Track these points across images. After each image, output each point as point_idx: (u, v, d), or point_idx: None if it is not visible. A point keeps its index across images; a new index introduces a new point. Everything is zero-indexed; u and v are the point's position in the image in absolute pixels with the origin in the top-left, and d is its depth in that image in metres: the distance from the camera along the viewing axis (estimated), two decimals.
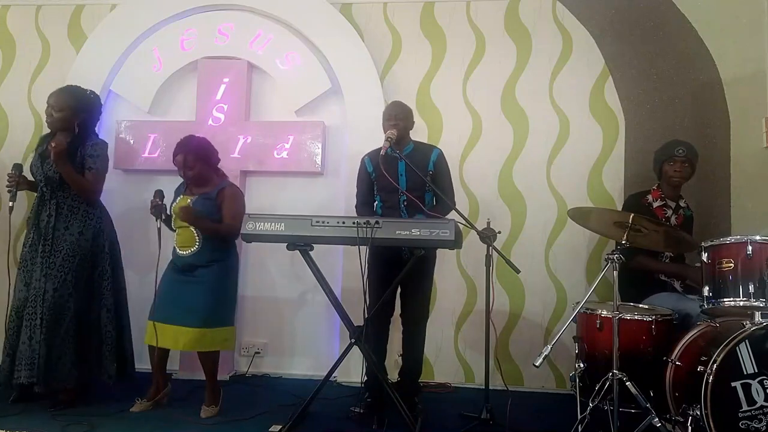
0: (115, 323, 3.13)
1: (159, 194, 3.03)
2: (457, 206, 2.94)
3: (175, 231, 3.10)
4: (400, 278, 2.86)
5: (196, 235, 2.99)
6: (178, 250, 3.04)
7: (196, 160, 3.05)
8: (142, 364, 3.35)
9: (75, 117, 3.08)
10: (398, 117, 3.07)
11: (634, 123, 3.76)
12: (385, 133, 3.05)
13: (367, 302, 2.81)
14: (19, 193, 3.08)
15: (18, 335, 2.95)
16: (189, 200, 3.03)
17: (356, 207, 3.22)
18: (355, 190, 3.26)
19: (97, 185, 3.12)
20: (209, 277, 2.97)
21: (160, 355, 3.04)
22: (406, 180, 3.05)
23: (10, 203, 2.99)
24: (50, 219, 3.01)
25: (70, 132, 3.09)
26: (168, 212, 3.08)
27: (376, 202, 3.16)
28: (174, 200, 3.12)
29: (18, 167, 3.06)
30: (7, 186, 3.01)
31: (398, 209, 3.06)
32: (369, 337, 2.84)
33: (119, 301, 3.19)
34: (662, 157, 3.20)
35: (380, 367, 2.99)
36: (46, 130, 3.24)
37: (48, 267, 2.95)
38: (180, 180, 3.18)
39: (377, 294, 2.92)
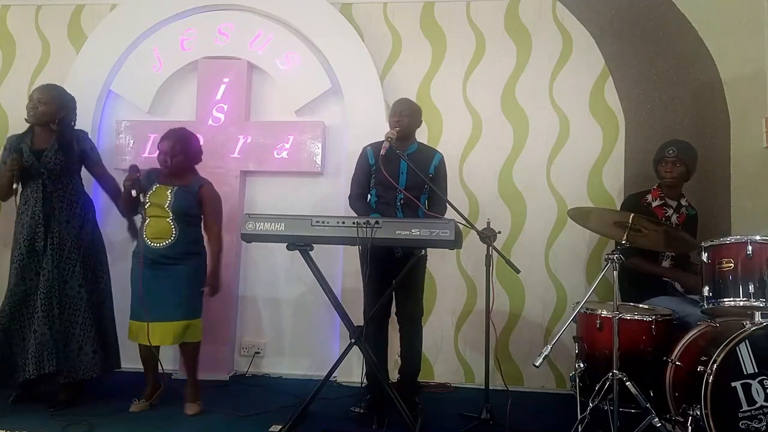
0: (112, 314, 3.23)
1: (134, 169, 3.02)
2: (457, 206, 2.93)
3: (141, 214, 3.06)
4: (400, 278, 2.86)
5: (173, 227, 2.99)
6: (149, 242, 2.98)
7: (182, 151, 3.07)
8: (134, 363, 3.35)
9: (58, 112, 3.13)
10: (403, 114, 3.06)
11: (634, 123, 3.76)
12: (391, 129, 3.05)
13: (366, 302, 2.81)
14: None
15: (9, 332, 2.96)
16: (169, 191, 3.02)
17: (350, 197, 3.19)
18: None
19: (108, 172, 3.31)
20: (187, 270, 2.99)
21: (150, 353, 3.03)
22: (406, 179, 3.04)
23: (15, 185, 3.02)
24: (54, 211, 3.05)
25: (47, 128, 3.12)
26: (144, 198, 3.04)
27: (371, 197, 3.15)
28: (150, 188, 3.05)
29: (19, 150, 3.07)
30: (9, 169, 3.00)
31: (394, 207, 3.06)
32: (368, 337, 2.84)
33: (111, 293, 3.28)
34: (656, 158, 3.21)
35: (380, 366, 2.99)
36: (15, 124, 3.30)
37: (58, 259, 3.00)
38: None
39: (371, 293, 2.91)
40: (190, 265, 3.01)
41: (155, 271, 2.97)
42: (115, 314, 3.28)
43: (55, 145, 3.08)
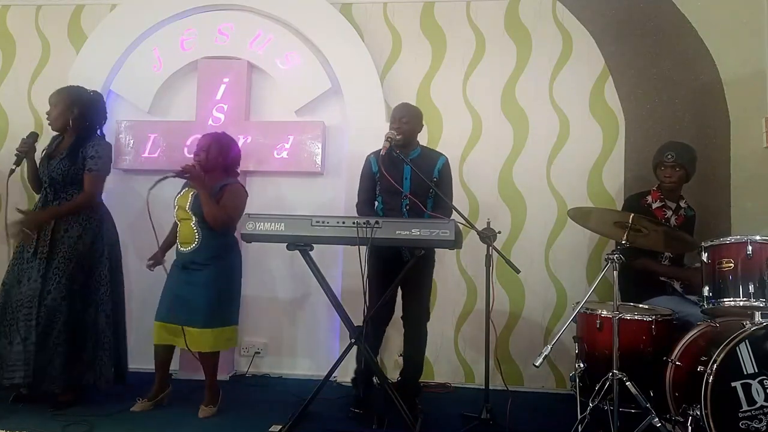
0: (113, 329, 3.07)
1: (33, 135, 3.07)
2: (457, 206, 2.94)
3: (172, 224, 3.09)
4: (400, 278, 2.86)
5: (195, 231, 2.97)
6: (179, 246, 3.02)
7: (218, 150, 3.06)
8: (141, 363, 3.35)
9: (69, 112, 3.05)
10: (403, 119, 3.06)
11: (634, 123, 3.76)
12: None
13: (367, 302, 2.81)
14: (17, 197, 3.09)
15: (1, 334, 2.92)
16: (191, 193, 3.00)
17: (357, 205, 3.20)
18: (357, 189, 3.24)
19: (95, 188, 3.06)
20: (210, 277, 2.94)
21: (164, 355, 3.03)
22: (410, 184, 3.04)
23: (13, 167, 2.97)
24: (51, 221, 2.98)
25: (70, 131, 3.08)
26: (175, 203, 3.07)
27: (377, 203, 3.15)
28: (179, 192, 3.10)
29: (34, 135, 3.06)
30: (17, 149, 2.98)
31: (400, 212, 3.05)
32: (367, 337, 2.84)
33: (117, 305, 3.13)
34: (655, 162, 3.22)
35: (376, 366, 2.99)
36: (46, 130, 3.23)
37: (45, 269, 2.92)
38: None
39: (377, 294, 2.92)
40: (213, 271, 2.94)
41: (182, 274, 2.97)
42: (133, 320, 3.26)
43: (64, 152, 3.02)
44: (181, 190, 3.10)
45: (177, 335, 2.91)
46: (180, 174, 2.96)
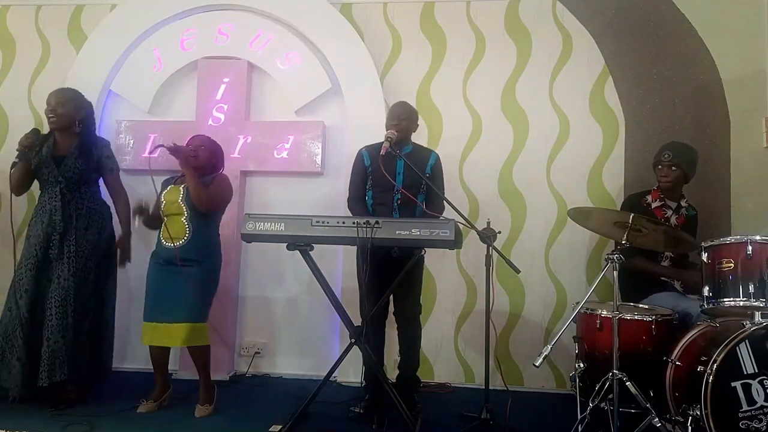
0: (113, 318, 3.23)
1: (36, 132, 3.05)
2: (457, 206, 2.93)
3: (158, 228, 3.06)
4: (400, 278, 2.86)
5: (186, 226, 2.97)
6: (163, 242, 2.99)
7: (210, 152, 3.13)
8: (141, 364, 3.35)
9: (77, 113, 3.12)
10: (401, 117, 3.08)
11: (634, 123, 3.76)
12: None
13: (364, 302, 2.81)
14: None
15: (31, 337, 2.92)
16: (182, 186, 3.02)
17: (348, 201, 3.20)
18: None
19: (122, 185, 3.28)
20: (197, 273, 2.95)
21: (161, 356, 3.03)
22: (403, 179, 3.05)
23: (16, 160, 2.97)
24: (72, 220, 3.03)
25: (70, 131, 3.11)
26: (160, 199, 3.06)
27: (368, 199, 3.15)
28: (163, 190, 3.10)
29: (36, 132, 3.06)
30: (22, 144, 2.99)
31: (391, 207, 3.06)
32: (367, 337, 2.84)
33: (115, 298, 3.27)
34: (654, 161, 3.22)
35: (379, 366, 2.99)
36: (46, 130, 3.21)
37: (74, 266, 2.99)
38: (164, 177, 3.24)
39: (368, 292, 2.90)
40: (200, 268, 2.97)
41: (166, 270, 2.96)
42: (119, 316, 3.30)
43: (75, 152, 3.07)
44: (166, 188, 3.11)
45: (170, 334, 2.91)
46: (171, 150, 2.98)
